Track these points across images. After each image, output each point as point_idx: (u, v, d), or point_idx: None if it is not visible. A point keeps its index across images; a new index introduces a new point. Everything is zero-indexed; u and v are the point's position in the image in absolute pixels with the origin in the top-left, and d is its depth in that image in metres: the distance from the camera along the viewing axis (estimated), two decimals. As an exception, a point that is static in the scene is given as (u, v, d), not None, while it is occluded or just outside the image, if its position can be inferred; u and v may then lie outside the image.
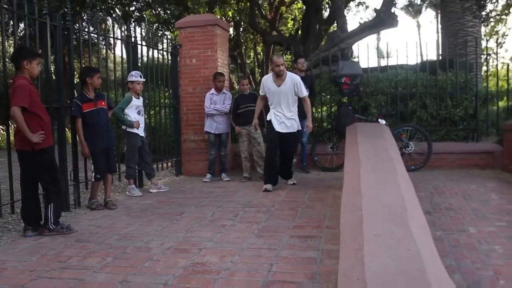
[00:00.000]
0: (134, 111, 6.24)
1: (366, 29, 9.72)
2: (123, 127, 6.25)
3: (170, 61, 7.86)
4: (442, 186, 6.67)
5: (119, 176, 6.69)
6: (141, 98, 6.43)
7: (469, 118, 8.14)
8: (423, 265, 2.51)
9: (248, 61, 17.34)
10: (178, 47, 7.83)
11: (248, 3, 13.37)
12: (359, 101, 8.29)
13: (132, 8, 17.36)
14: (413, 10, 33.63)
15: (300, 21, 13.74)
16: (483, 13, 13.13)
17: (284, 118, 6.34)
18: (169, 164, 8.16)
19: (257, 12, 14.04)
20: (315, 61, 9.04)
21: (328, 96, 8.59)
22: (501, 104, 10.22)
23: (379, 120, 7.65)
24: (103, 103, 5.55)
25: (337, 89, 8.12)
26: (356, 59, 9.32)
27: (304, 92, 6.46)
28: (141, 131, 6.31)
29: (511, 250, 4.62)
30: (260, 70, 16.89)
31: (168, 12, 13.63)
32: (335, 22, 10.80)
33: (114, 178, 6.52)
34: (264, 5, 15.63)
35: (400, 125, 7.89)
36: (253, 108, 6.93)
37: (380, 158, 4.92)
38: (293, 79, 6.31)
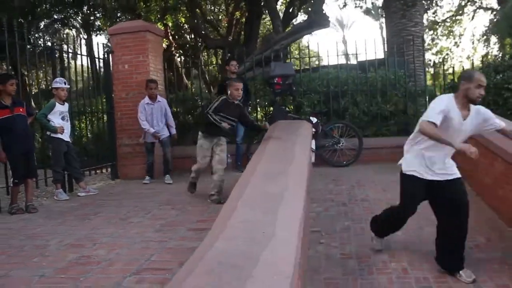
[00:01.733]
0: (58, 117, 6.30)
1: (299, 30, 9.94)
2: (48, 132, 6.31)
3: (102, 68, 7.96)
4: (365, 179, 6.88)
5: (46, 181, 6.74)
6: (66, 104, 6.50)
7: (400, 113, 8.37)
8: (267, 248, 2.64)
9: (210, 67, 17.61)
10: (109, 53, 7.91)
11: (198, 10, 13.55)
12: (292, 100, 8.48)
13: (93, 18, 17.48)
14: (375, 13, 34.21)
15: (243, 25, 13.96)
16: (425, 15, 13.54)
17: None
18: (108, 169, 8.23)
19: (200, 16, 14.18)
20: (251, 63, 9.21)
21: (262, 97, 8.75)
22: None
23: (311, 118, 7.84)
24: (21, 110, 5.62)
25: (270, 89, 8.28)
26: (289, 60, 9.46)
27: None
28: (66, 136, 6.37)
29: (415, 236, 4.82)
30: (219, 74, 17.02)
31: (118, 21, 13.70)
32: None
33: (43, 182, 6.59)
34: (216, 10, 15.86)
35: (331, 123, 8.09)
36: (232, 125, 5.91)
37: (285, 152, 5.07)
38: None
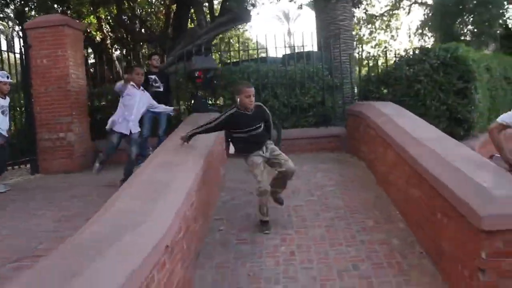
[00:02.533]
0: None
1: (221, 25, 10.14)
2: None
3: (20, 62, 7.90)
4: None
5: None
6: (7, 98, 6.48)
7: (318, 105, 8.71)
8: (130, 233, 2.84)
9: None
10: (26, 47, 7.84)
11: (127, 3, 13.47)
12: (213, 93, 8.67)
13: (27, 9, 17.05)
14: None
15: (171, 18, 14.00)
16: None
17: None
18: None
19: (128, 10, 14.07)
20: (175, 57, 9.34)
21: (184, 91, 8.90)
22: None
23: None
24: None
25: (191, 83, 8.44)
26: (212, 54, 9.64)
27: None
28: (4, 131, 6.33)
29: (308, 220, 5.13)
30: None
31: (52, 12, 13.45)
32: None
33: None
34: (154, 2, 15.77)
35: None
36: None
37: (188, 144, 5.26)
38: None
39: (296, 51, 11.00)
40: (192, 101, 8.78)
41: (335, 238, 4.64)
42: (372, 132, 6.30)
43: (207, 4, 13.60)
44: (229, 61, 10.03)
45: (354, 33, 26.54)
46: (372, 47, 26.53)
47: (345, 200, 5.61)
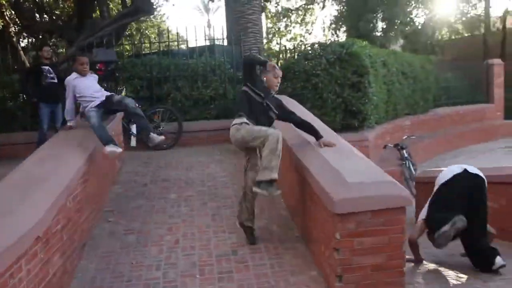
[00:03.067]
0: None
1: (124, 17, 10.07)
2: None
3: None
4: (176, 160, 7.28)
5: None
6: None
7: (220, 97, 8.91)
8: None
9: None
10: None
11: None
12: (116, 85, 8.63)
13: None
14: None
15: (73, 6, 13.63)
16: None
17: None
18: None
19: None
20: (76, 49, 9.16)
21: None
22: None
23: (132, 103, 8.05)
24: None
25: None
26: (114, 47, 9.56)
27: None
28: None
29: (196, 210, 5.30)
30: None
31: None
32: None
33: None
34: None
35: (152, 107, 8.37)
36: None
37: (74, 137, 5.27)
38: None
39: (208, 44, 11.13)
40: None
41: (219, 226, 4.88)
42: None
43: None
44: (130, 53, 10.00)
45: (270, 26, 27.37)
46: (287, 40, 27.16)
47: (234, 189, 5.85)
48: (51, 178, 3.94)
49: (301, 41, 27.26)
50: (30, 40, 16.04)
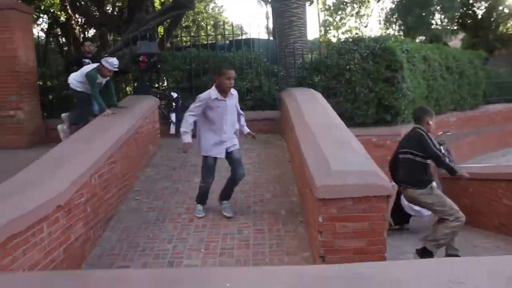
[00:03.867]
0: None
1: (166, 12, 10.65)
2: None
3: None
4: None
5: None
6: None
7: (255, 89, 9.31)
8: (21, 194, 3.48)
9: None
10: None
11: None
12: (158, 76, 9.23)
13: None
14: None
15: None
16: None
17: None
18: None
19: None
20: (123, 42, 9.82)
21: (130, 74, 9.40)
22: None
23: (172, 93, 8.64)
24: None
25: (136, 66, 8.97)
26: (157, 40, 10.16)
27: None
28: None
29: (215, 193, 5.74)
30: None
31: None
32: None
33: None
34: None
35: (190, 98, 8.89)
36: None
37: (108, 121, 5.86)
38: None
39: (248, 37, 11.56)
40: (135, 84, 9.29)
41: (232, 208, 5.29)
42: (287, 115, 6.95)
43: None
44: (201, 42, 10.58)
45: (326, 18, 27.43)
46: (342, 33, 27.15)
47: (255, 176, 6.26)
48: (78, 158, 4.52)
49: (356, 33, 27.22)
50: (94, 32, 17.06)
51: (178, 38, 13.56)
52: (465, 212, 6.24)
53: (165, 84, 9.36)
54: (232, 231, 4.79)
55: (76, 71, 8.01)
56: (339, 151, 4.34)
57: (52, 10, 14.34)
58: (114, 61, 6.77)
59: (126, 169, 5.71)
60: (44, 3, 14.51)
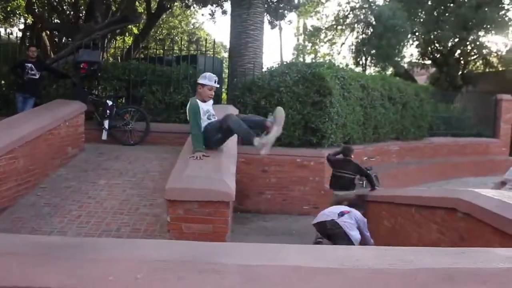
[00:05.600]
0: None
1: (112, 23, 11.17)
2: None
3: None
4: (126, 154, 8.10)
5: None
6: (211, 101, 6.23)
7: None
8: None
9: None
10: None
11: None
12: (97, 84, 9.68)
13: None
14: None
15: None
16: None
17: None
18: None
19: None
20: (72, 48, 10.27)
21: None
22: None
23: (108, 101, 9.07)
24: None
25: (75, 73, 9.39)
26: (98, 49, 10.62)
27: None
28: None
29: (112, 195, 6.17)
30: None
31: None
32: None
33: None
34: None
35: (124, 107, 9.36)
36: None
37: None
38: None
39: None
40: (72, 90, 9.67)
41: (121, 209, 5.70)
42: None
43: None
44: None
45: (299, 43, 28.13)
46: (312, 59, 27.78)
47: (158, 183, 6.66)
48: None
49: (329, 60, 27.92)
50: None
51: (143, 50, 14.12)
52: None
53: (104, 92, 9.76)
54: (112, 228, 5.20)
55: (19, 74, 8.48)
56: (204, 162, 4.80)
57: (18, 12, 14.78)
58: (209, 74, 5.53)
59: (31, 166, 6.10)
60: (10, 5, 14.95)
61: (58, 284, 1.95)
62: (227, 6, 15.53)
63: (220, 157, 5.17)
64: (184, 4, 15.26)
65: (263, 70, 10.51)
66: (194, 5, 14.32)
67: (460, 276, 2.05)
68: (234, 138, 5.98)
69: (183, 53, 11.24)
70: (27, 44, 8.73)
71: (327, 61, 24.66)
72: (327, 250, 2.43)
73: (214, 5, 14.44)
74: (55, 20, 16.05)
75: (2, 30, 15.40)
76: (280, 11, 15.54)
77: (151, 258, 2.14)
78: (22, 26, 18.29)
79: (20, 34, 16.18)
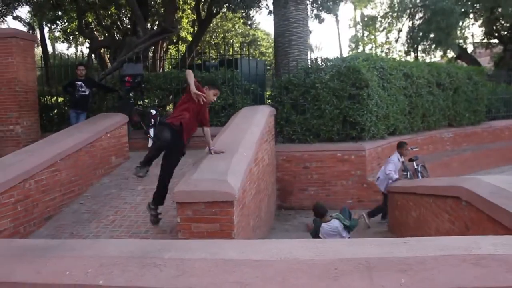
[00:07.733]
0: None
1: (153, 36, 11.69)
2: None
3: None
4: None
5: None
6: None
7: (229, 106, 10.14)
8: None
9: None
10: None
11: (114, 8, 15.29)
12: (142, 95, 10.26)
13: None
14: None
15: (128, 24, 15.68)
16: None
17: None
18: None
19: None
20: (118, 63, 10.96)
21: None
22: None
23: (152, 110, 9.62)
24: None
25: (122, 86, 10.03)
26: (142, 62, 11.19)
27: None
28: None
29: (147, 200, 6.59)
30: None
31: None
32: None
33: None
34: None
35: (168, 114, 9.86)
36: None
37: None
38: None
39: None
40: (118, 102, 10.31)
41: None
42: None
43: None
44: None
45: (353, 34, 27.82)
46: (369, 49, 27.39)
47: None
48: (15, 165, 5.53)
49: (387, 48, 27.45)
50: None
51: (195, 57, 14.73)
52: (394, 223, 6.95)
53: (149, 102, 10.33)
54: (141, 230, 5.64)
55: (70, 92, 9.17)
56: (218, 162, 5.13)
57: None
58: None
59: (74, 177, 6.69)
60: (68, 27, 16.12)
61: (22, 279, 2.34)
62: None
63: (232, 156, 5.47)
64: (231, 8, 15.70)
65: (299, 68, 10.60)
66: (237, 9, 14.56)
67: (380, 266, 2.22)
68: (251, 138, 6.28)
69: (233, 57, 11.50)
70: (76, 63, 9.32)
71: (376, 52, 24.44)
72: (269, 243, 2.65)
73: (256, 8, 14.70)
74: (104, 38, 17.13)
75: (71, 50, 16.56)
76: (328, 3, 15.53)
77: (106, 255, 2.48)
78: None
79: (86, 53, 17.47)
